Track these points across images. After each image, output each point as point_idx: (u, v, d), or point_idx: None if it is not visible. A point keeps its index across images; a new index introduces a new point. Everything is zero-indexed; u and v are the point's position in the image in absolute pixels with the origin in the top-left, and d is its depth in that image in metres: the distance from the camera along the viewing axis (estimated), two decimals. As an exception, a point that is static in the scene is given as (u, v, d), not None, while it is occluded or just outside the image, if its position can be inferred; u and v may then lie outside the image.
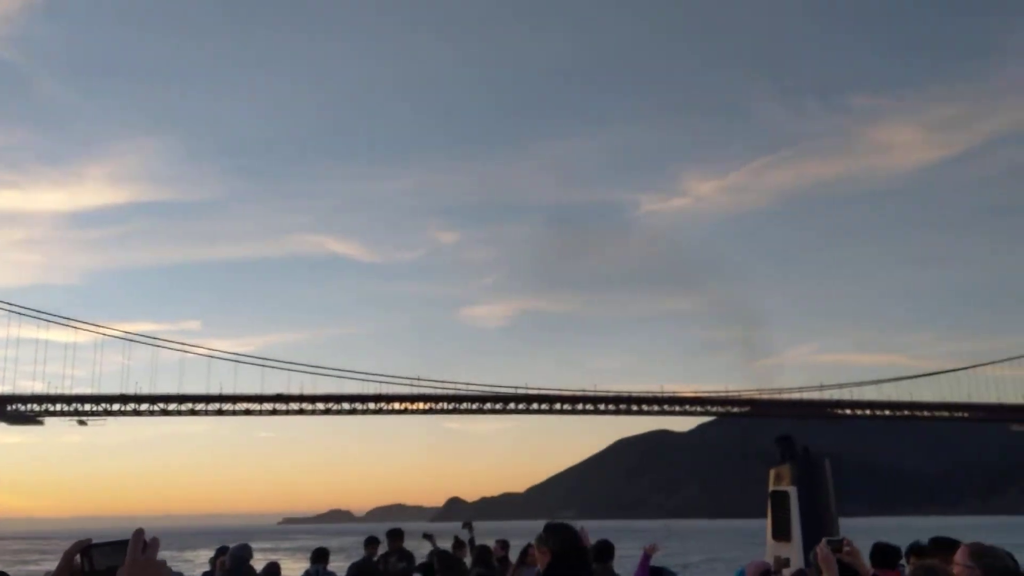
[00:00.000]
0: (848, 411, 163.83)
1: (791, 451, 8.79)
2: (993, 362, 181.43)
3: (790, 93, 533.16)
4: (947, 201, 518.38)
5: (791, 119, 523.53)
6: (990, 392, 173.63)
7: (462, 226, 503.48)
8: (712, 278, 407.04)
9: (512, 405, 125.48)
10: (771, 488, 8.91)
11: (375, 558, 11.94)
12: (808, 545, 7.47)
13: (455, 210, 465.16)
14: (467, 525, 11.69)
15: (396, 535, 11.99)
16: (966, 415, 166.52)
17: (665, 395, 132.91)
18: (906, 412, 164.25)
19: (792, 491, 8.35)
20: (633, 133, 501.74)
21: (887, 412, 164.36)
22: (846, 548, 4.63)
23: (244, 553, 9.99)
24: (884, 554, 6.35)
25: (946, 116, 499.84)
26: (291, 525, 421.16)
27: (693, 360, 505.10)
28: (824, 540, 4.73)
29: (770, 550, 8.52)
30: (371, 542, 12.16)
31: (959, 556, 4.03)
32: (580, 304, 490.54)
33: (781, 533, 8.27)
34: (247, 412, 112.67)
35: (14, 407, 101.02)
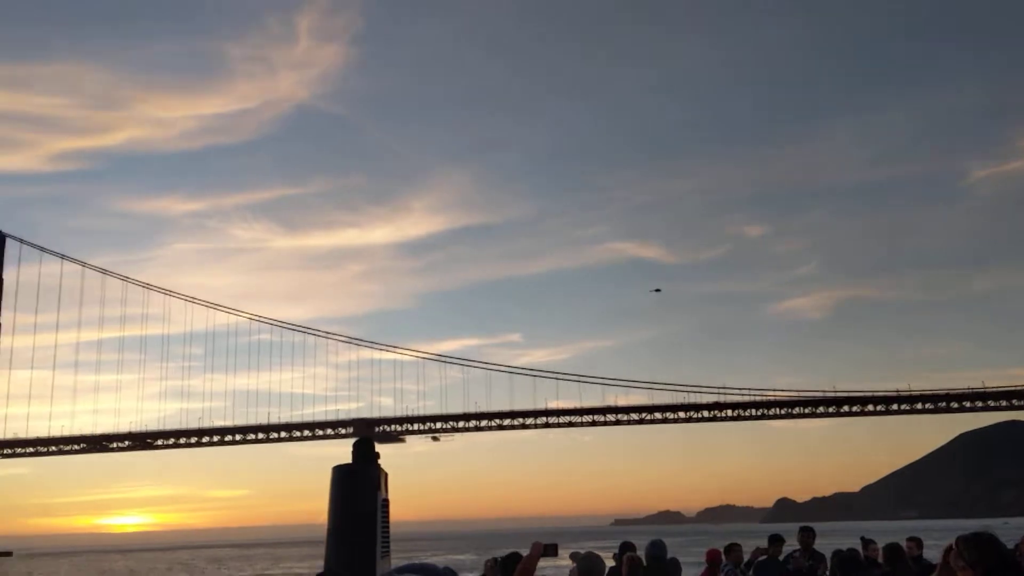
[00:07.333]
0: None
1: None
2: None
3: None
4: None
5: None
6: None
7: (765, 219, 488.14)
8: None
9: (821, 409, 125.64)
10: None
11: (780, 557, 11.99)
12: None
13: (754, 202, 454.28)
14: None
15: (807, 532, 11.96)
16: None
17: (988, 391, 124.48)
18: None
19: None
20: (951, 97, 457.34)
21: None
22: None
23: (659, 551, 10.31)
24: None
25: None
26: (623, 526, 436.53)
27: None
28: None
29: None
30: (775, 540, 12.20)
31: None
32: (912, 288, 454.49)
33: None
34: (570, 424, 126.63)
35: (381, 428, 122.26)
